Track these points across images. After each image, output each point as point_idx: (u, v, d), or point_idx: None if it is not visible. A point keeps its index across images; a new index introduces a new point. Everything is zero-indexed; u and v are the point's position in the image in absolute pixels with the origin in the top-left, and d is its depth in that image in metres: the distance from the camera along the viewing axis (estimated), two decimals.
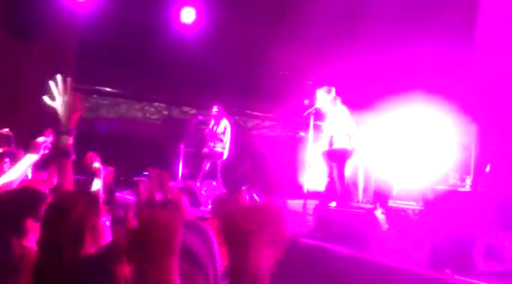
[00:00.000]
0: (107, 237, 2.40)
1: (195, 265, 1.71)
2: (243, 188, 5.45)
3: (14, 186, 2.95)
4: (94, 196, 2.49)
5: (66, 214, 2.25)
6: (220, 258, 1.78)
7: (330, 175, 7.38)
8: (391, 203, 7.79)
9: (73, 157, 2.71)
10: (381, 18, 9.29)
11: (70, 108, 2.68)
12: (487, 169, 6.49)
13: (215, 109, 9.35)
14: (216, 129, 9.29)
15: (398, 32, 9.26)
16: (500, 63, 8.28)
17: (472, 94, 8.20)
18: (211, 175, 9.36)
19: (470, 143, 7.72)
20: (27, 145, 3.78)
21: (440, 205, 6.29)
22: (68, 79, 2.67)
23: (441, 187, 6.58)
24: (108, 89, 12.06)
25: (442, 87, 8.14)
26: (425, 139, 8.13)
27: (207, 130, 9.41)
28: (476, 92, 8.27)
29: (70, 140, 2.68)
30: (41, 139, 4.33)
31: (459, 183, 6.53)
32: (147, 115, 13.23)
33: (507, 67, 8.14)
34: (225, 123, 9.31)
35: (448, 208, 6.04)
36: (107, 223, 2.44)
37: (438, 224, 5.13)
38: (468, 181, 6.52)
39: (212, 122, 9.37)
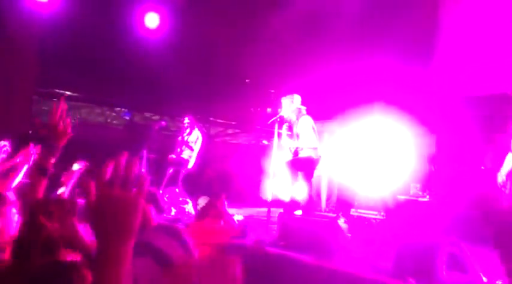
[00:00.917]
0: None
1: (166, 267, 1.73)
2: (222, 195, 5.50)
3: None
4: (71, 204, 2.43)
5: (44, 223, 2.21)
6: (196, 260, 1.80)
7: (295, 184, 7.38)
8: (353, 212, 7.90)
9: (48, 175, 2.68)
10: (345, 31, 9.45)
11: (60, 130, 2.64)
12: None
13: (186, 120, 9.31)
14: (187, 138, 9.25)
15: (360, 44, 9.45)
16: (457, 75, 8.56)
17: (431, 106, 8.44)
18: (173, 182, 9.27)
19: (428, 153, 7.93)
20: None
21: (401, 214, 6.44)
22: (61, 100, 2.63)
23: (402, 197, 6.73)
24: (68, 93, 11.81)
25: (402, 99, 8.33)
26: (386, 150, 8.30)
27: (179, 138, 9.35)
28: (435, 104, 8.52)
29: (52, 159, 2.65)
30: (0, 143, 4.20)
31: (420, 193, 6.69)
32: (108, 120, 13.02)
33: (464, 79, 8.42)
34: (197, 134, 9.28)
35: (408, 218, 6.18)
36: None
37: (401, 234, 5.22)
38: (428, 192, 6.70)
39: (187, 131, 9.32)
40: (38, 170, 2.64)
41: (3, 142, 5.58)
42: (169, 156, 9.23)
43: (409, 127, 8.03)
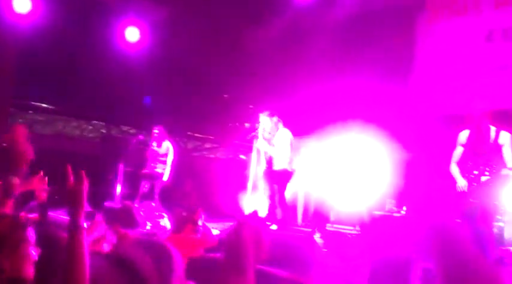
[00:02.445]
0: (29, 269, 2.28)
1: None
2: (199, 208, 5.52)
3: None
4: (20, 221, 2.38)
5: None
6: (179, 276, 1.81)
7: (271, 197, 7.41)
8: (329, 227, 7.93)
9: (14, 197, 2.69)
10: (324, 49, 9.56)
11: (19, 153, 2.69)
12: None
13: (156, 131, 9.24)
14: (158, 151, 9.18)
15: (339, 63, 9.60)
16: (433, 94, 8.72)
17: (407, 124, 8.58)
18: (149, 196, 9.21)
19: (403, 170, 8.02)
20: None
21: (377, 229, 6.48)
22: (21, 128, 2.69)
23: (377, 213, 6.79)
24: (44, 105, 11.69)
25: (379, 117, 8.44)
26: (363, 166, 8.37)
27: (148, 151, 9.28)
28: (411, 122, 8.66)
29: (15, 180, 2.67)
30: None
31: (395, 209, 6.75)
32: (85, 133, 12.90)
33: (440, 98, 8.59)
34: (167, 145, 9.21)
35: (384, 233, 6.22)
36: (33, 252, 2.31)
37: (376, 249, 5.26)
38: (404, 208, 6.76)
39: (154, 144, 9.24)
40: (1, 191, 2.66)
41: None
42: (143, 171, 9.17)
43: (385, 144, 8.12)
